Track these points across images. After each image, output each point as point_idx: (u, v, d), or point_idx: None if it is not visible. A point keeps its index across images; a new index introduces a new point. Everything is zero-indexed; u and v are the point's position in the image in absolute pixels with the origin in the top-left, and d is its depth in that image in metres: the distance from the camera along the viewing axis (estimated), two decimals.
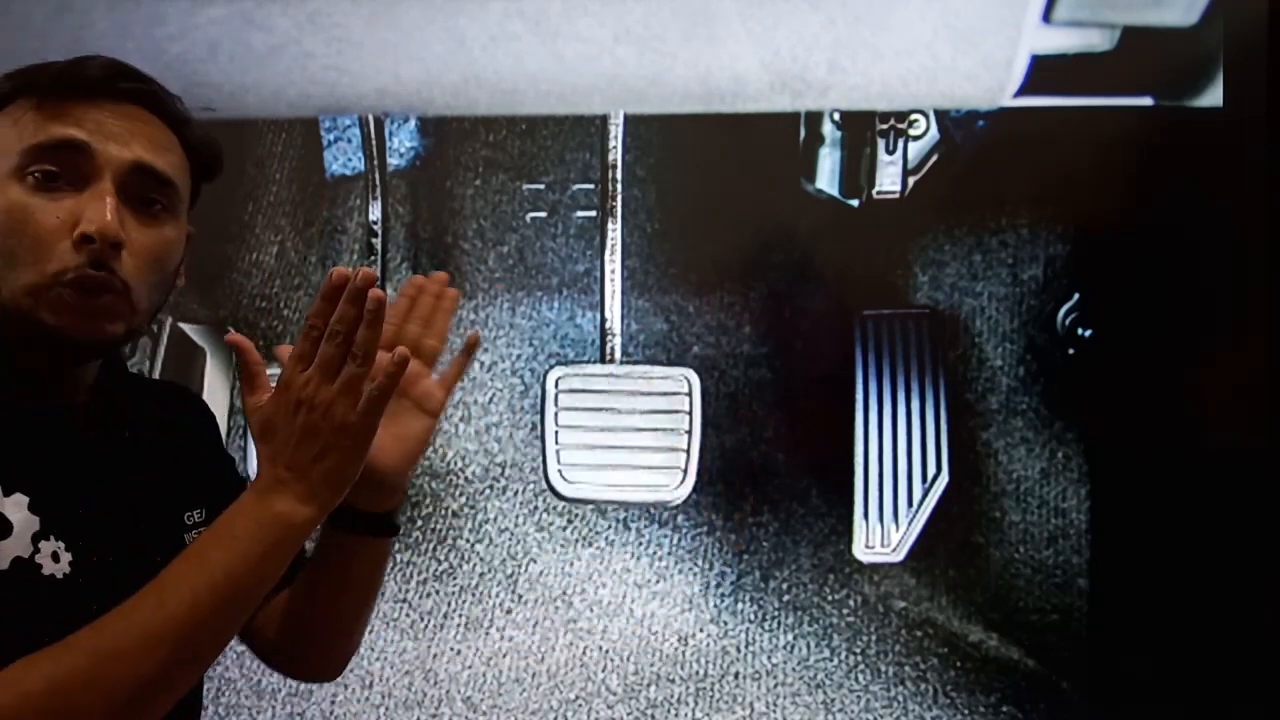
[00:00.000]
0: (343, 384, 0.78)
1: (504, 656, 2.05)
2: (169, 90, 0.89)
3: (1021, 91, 2.04)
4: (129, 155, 0.82)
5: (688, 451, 2.13)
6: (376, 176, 2.25)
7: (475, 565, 2.11)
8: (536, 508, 2.15)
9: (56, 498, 0.80)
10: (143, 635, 0.74)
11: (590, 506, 2.14)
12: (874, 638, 2.09)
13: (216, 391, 2.17)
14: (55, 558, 0.79)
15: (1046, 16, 1.99)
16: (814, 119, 2.20)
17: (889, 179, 2.17)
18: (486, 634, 2.07)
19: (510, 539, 2.13)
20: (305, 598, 1.00)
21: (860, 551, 2.12)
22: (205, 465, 1.00)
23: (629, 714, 2.03)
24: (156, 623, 0.75)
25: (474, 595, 2.09)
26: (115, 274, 0.81)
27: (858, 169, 2.19)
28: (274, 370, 0.83)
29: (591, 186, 2.25)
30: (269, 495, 0.79)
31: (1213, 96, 2.04)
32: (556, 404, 2.15)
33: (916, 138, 2.18)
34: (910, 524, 2.12)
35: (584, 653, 2.07)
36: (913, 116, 2.17)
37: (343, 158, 2.31)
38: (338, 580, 0.98)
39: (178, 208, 0.87)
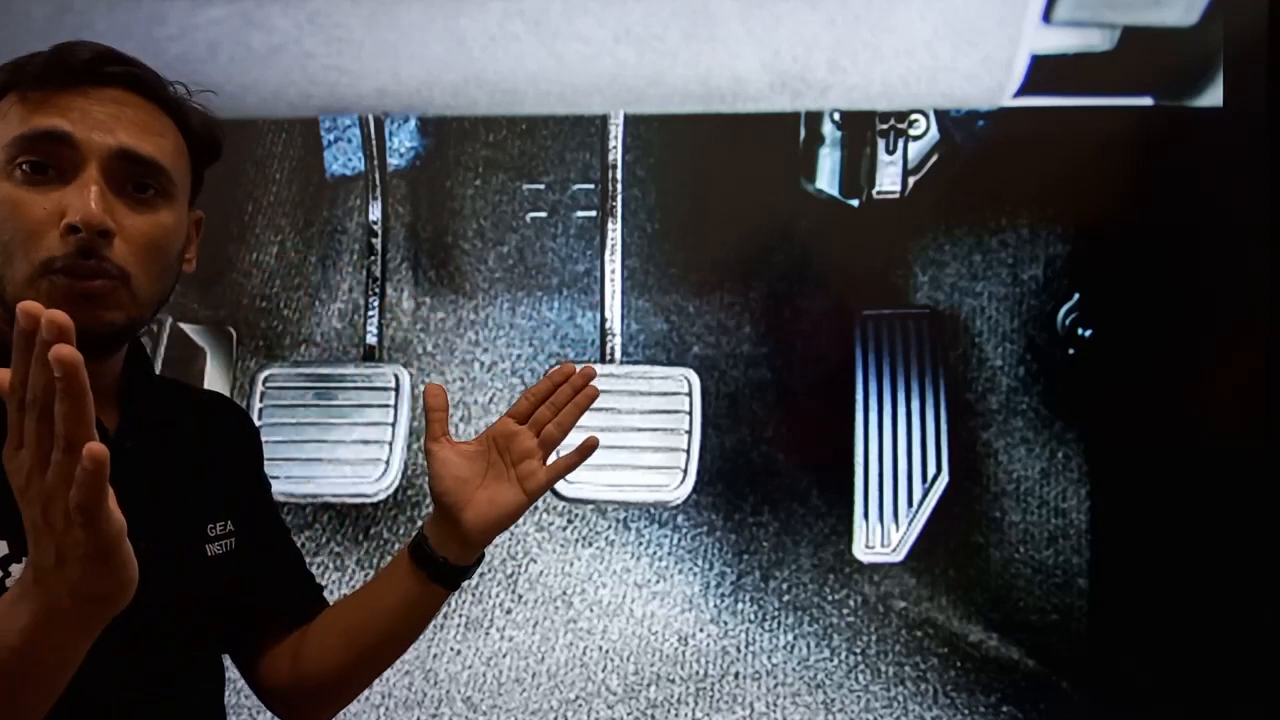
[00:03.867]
0: (54, 476, 0.60)
1: (504, 656, 2.05)
2: (159, 74, 0.87)
3: (1021, 91, 2.04)
4: (113, 142, 0.81)
5: (688, 451, 2.13)
6: (376, 176, 2.25)
7: None
8: (536, 508, 2.14)
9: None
10: None
11: (590, 506, 2.14)
12: (874, 638, 2.09)
13: (214, 391, 2.16)
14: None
15: (1046, 16, 1.99)
16: (814, 119, 2.20)
17: (889, 179, 2.17)
18: (486, 634, 2.07)
19: (510, 539, 2.13)
20: (343, 634, 0.99)
21: (860, 551, 2.12)
22: (237, 478, 0.99)
23: (629, 714, 2.03)
24: None
25: (474, 595, 2.09)
26: (107, 261, 0.80)
27: (858, 169, 2.19)
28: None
29: (591, 186, 2.25)
30: (18, 602, 0.66)
31: (1213, 96, 2.04)
32: None
33: (916, 138, 2.18)
34: (910, 524, 2.12)
35: (584, 653, 2.07)
36: (913, 116, 2.17)
37: (343, 158, 2.30)
38: (383, 614, 0.98)
39: (172, 191, 0.86)
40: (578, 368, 0.99)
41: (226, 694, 1.01)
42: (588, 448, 1.00)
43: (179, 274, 0.89)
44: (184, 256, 0.90)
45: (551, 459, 0.99)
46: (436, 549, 0.97)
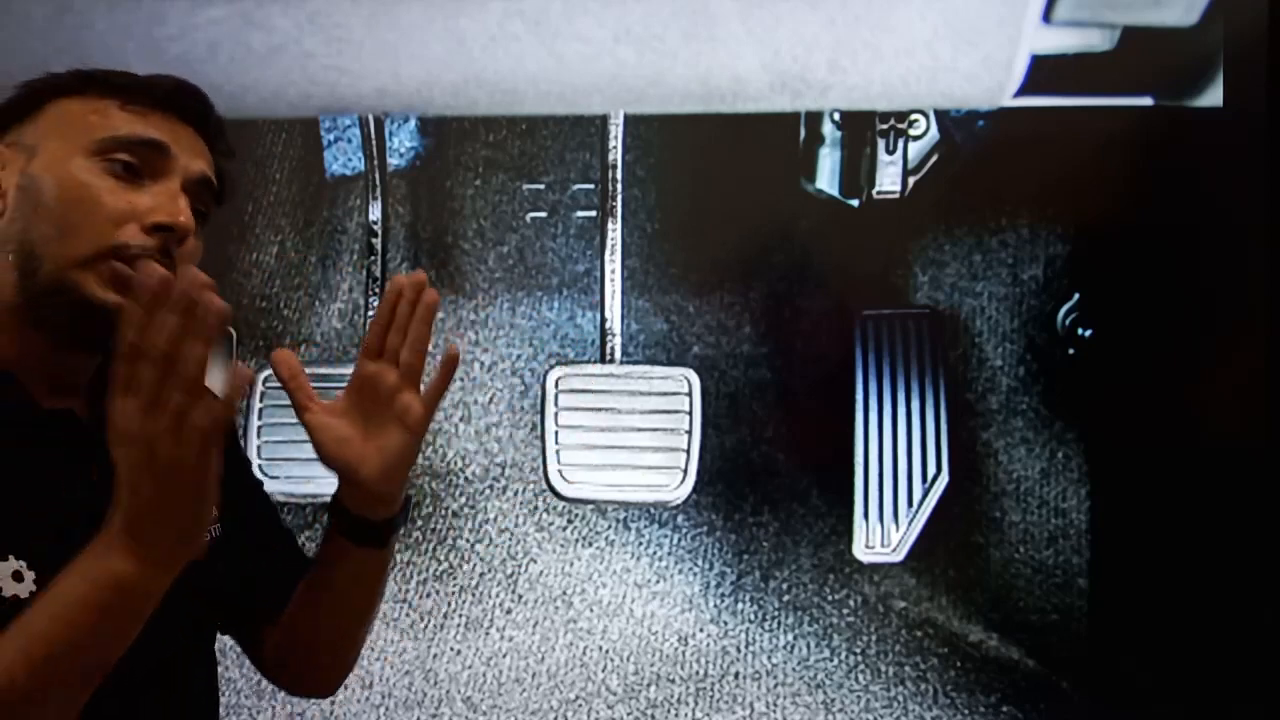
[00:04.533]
0: (171, 416, 0.67)
1: (504, 656, 2.05)
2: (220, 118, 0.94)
3: (1021, 91, 2.04)
4: (198, 167, 0.89)
5: (688, 451, 2.13)
6: (376, 176, 2.25)
7: (475, 565, 2.11)
8: (536, 508, 2.15)
9: (17, 517, 0.79)
10: None
11: (590, 506, 2.14)
12: (874, 638, 2.09)
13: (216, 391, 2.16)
14: (17, 577, 0.78)
15: (1046, 16, 1.99)
16: (814, 119, 2.20)
17: (889, 179, 2.17)
18: (486, 634, 2.07)
19: (510, 539, 2.13)
20: (300, 608, 0.99)
21: (860, 551, 2.12)
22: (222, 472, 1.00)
23: (629, 714, 2.03)
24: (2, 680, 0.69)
25: (474, 595, 2.09)
26: (171, 265, 0.83)
27: (858, 169, 2.19)
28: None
29: (591, 186, 2.25)
30: (105, 552, 0.70)
31: (1213, 96, 2.04)
32: (556, 404, 2.15)
33: (916, 138, 2.18)
34: (910, 524, 2.12)
35: (584, 653, 2.07)
36: (913, 116, 2.17)
37: (343, 158, 2.31)
38: (330, 588, 0.97)
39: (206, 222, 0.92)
40: (406, 280, 0.92)
41: (226, 694, 1.01)
42: (450, 358, 0.92)
43: None
44: None
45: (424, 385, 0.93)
46: (354, 510, 0.94)
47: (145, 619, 0.73)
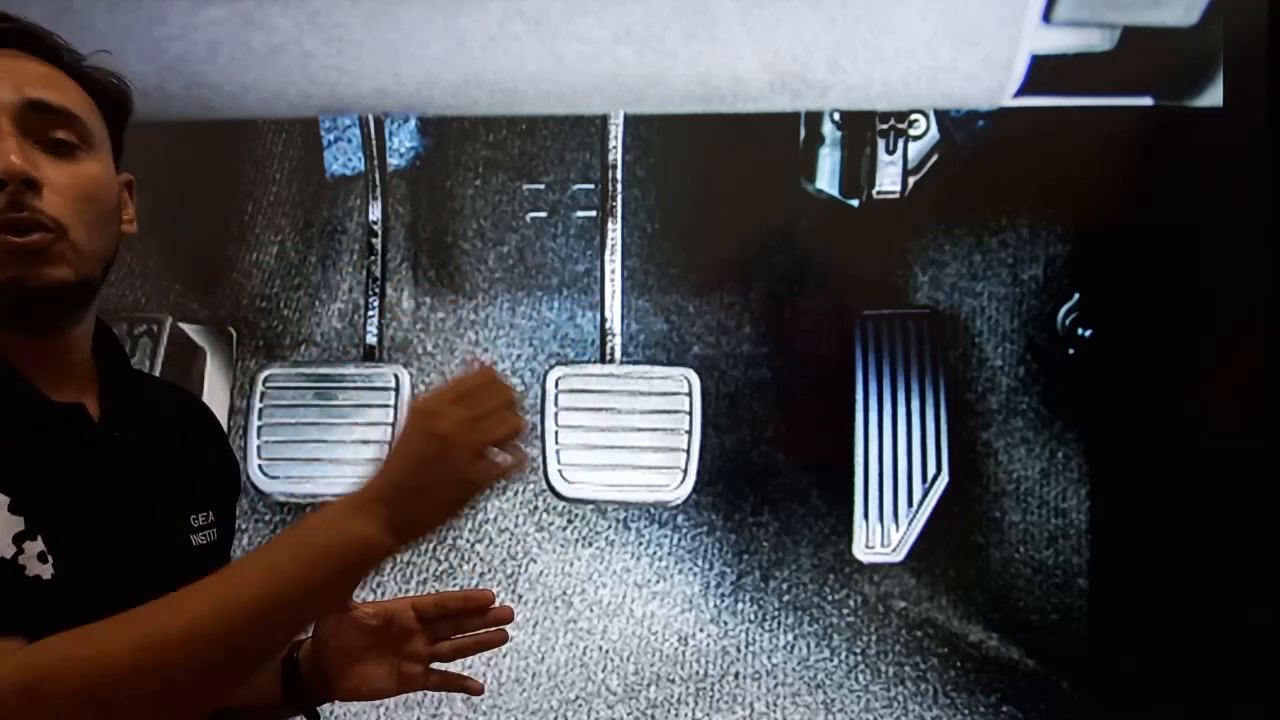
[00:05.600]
0: (481, 436, 0.76)
1: (504, 656, 2.05)
2: (59, 36, 0.86)
3: (1021, 91, 2.04)
4: (18, 95, 0.80)
5: (688, 451, 2.13)
6: (376, 176, 2.25)
7: (475, 565, 2.11)
8: (536, 508, 2.15)
9: (43, 499, 0.79)
10: (192, 630, 0.72)
11: (590, 506, 2.14)
12: (874, 638, 2.09)
13: (216, 392, 2.17)
14: (42, 558, 0.77)
15: (1046, 16, 1.99)
16: (814, 119, 2.20)
17: (889, 179, 2.17)
18: None
19: (510, 539, 2.13)
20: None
21: (860, 551, 2.12)
22: (211, 467, 1.00)
23: (629, 714, 2.03)
24: (206, 620, 0.72)
25: None
26: (40, 213, 0.79)
27: (858, 169, 2.19)
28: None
29: (591, 186, 2.25)
30: (359, 512, 0.75)
31: (1213, 96, 2.04)
32: (556, 404, 2.15)
33: (916, 138, 2.18)
34: (910, 524, 2.12)
35: (584, 653, 2.07)
36: (913, 116, 2.17)
37: (343, 158, 2.31)
38: (254, 697, 0.97)
39: (92, 141, 0.85)
40: (498, 602, 0.96)
41: None
42: (469, 689, 0.98)
43: (119, 234, 0.88)
44: (122, 217, 0.89)
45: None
46: (305, 675, 0.96)
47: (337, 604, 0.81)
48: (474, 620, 0.96)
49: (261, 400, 2.12)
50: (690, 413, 2.14)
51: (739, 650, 2.08)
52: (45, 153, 0.81)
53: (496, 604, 0.97)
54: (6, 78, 0.80)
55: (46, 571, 0.77)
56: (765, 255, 2.21)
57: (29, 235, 0.78)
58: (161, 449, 0.92)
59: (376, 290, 2.23)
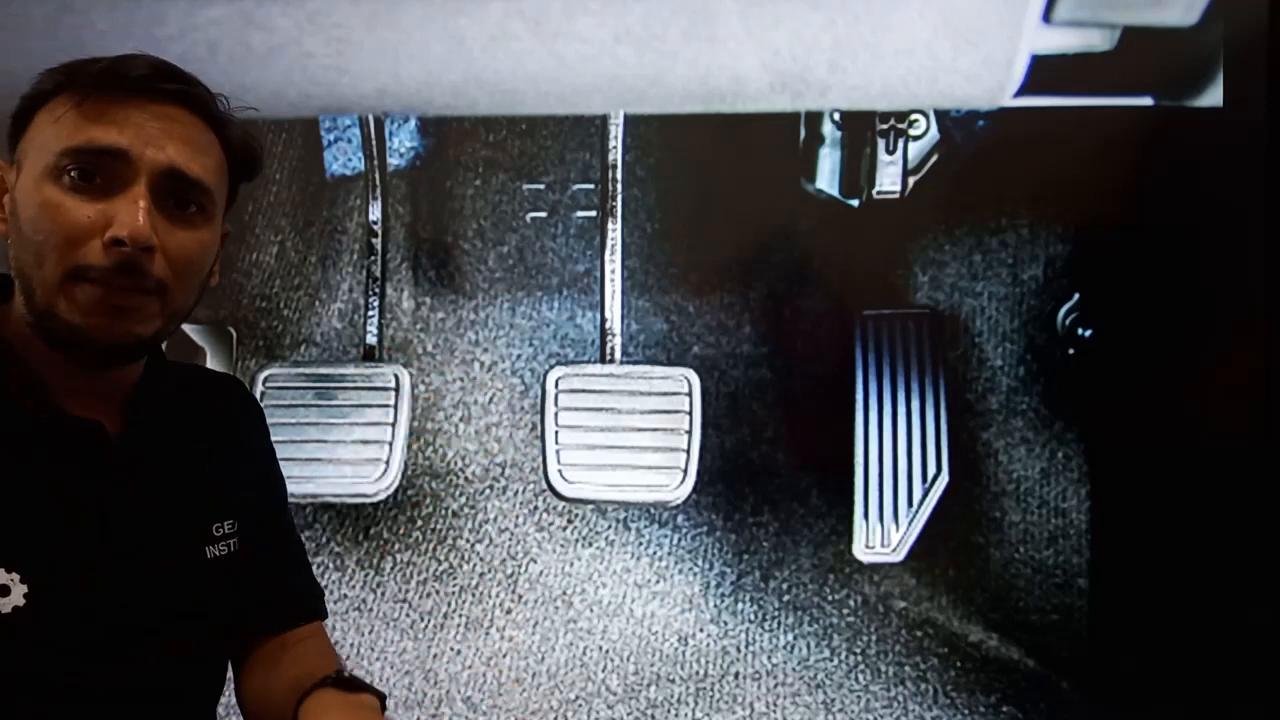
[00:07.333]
0: None
1: (504, 656, 2.05)
2: (209, 90, 0.88)
3: (1021, 91, 2.04)
4: (164, 160, 0.82)
5: (688, 451, 2.13)
6: (376, 176, 2.25)
7: (475, 565, 2.11)
8: (536, 508, 2.15)
9: (16, 527, 0.78)
10: None
11: (590, 506, 2.14)
12: (874, 638, 2.09)
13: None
14: (5, 591, 0.77)
15: (1046, 16, 1.99)
16: (814, 119, 2.20)
17: (889, 179, 2.17)
18: (486, 634, 2.07)
19: (510, 539, 2.13)
20: (280, 705, 0.93)
21: (860, 551, 2.12)
22: (244, 473, 0.98)
23: (629, 714, 2.03)
24: None
25: (474, 595, 2.09)
26: (147, 277, 0.80)
27: (858, 169, 2.19)
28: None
29: (591, 186, 2.25)
30: None
31: (1213, 96, 2.04)
32: (556, 404, 2.15)
33: (916, 138, 2.18)
34: (910, 524, 2.12)
35: (584, 653, 2.07)
36: (913, 116, 2.17)
37: (343, 158, 2.31)
38: None
39: (212, 210, 0.87)
40: (498, 602, 0.91)
41: (226, 694, 1.00)
42: None
43: (205, 288, 0.91)
44: (212, 270, 0.91)
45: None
46: None
47: None
48: None
49: (261, 400, 2.12)
50: (690, 413, 2.14)
51: (739, 650, 2.08)
52: (168, 215, 0.83)
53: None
54: (159, 136, 0.82)
55: (10, 605, 0.77)
56: (765, 255, 2.21)
57: (127, 296, 0.81)
58: (187, 458, 0.91)
59: (376, 290, 2.23)
